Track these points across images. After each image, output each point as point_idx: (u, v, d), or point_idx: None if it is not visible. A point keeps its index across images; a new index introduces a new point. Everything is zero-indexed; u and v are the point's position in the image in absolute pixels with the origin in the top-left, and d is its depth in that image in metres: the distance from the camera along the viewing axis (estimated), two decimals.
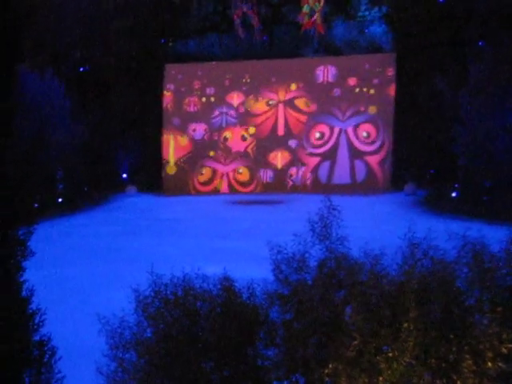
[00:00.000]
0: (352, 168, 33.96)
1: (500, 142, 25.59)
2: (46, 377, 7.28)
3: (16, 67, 6.39)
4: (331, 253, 7.79)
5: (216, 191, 35.66)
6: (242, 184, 35.77)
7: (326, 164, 34.45)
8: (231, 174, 35.92)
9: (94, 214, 29.21)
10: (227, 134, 36.03)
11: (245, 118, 35.78)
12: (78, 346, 11.13)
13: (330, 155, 34.33)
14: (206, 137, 36.32)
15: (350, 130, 34.10)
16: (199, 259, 11.83)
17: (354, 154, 34.00)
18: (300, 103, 34.98)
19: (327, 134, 34.44)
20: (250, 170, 35.65)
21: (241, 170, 35.75)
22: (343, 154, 34.18)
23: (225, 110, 35.98)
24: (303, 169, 34.58)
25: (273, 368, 7.32)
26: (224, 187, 35.87)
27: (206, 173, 36.27)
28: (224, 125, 36.09)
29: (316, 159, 34.68)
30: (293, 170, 34.90)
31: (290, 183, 34.97)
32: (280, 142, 35.21)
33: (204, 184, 36.21)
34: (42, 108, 28.79)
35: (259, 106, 35.54)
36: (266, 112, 35.46)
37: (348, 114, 34.16)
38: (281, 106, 35.18)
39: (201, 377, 7.09)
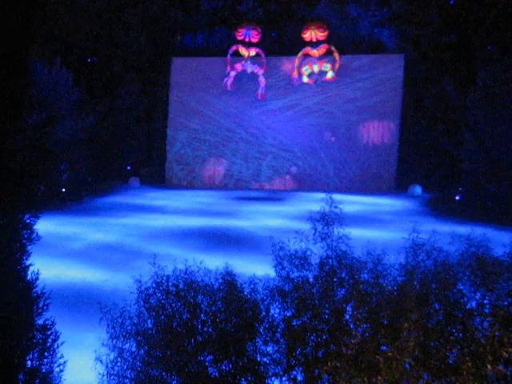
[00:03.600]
0: (358, 166, 33.94)
1: (506, 147, 25.52)
2: (49, 361, 7.29)
3: (29, 47, 6.38)
4: (333, 251, 7.79)
5: (221, 186, 35.60)
6: (246, 181, 35.75)
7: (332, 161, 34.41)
8: (237, 169, 35.91)
9: (95, 203, 29.24)
10: (234, 127, 35.99)
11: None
12: None
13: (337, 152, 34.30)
14: (211, 131, 36.27)
15: (354, 129, 34.05)
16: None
17: (359, 152, 33.95)
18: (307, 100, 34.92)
19: (332, 131, 34.41)
20: (258, 166, 35.58)
21: (249, 165, 35.71)
22: (350, 151, 34.10)
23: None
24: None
25: (272, 364, 7.33)
26: (229, 182, 35.83)
27: (210, 167, 36.25)
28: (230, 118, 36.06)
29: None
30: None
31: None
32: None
33: (207, 179, 36.20)
34: (50, 97, 28.81)
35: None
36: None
37: (352, 113, 34.07)
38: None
39: (199, 370, 7.10)
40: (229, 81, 35.15)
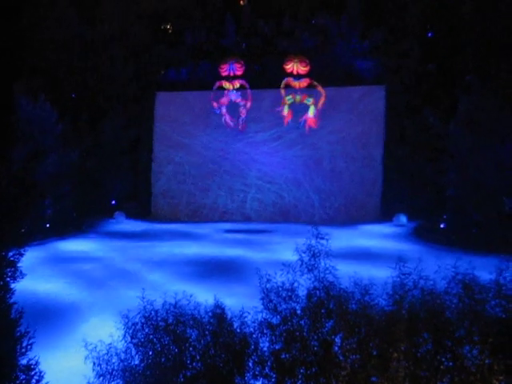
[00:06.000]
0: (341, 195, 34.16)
1: (488, 174, 25.79)
2: None
3: (14, 84, 6.40)
4: (320, 282, 7.79)
5: (207, 219, 35.44)
6: (231, 213, 35.68)
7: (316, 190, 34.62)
8: (222, 203, 35.87)
9: (80, 239, 28.91)
10: (219, 160, 36.09)
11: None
12: None
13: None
14: (196, 164, 36.30)
15: (338, 159, 34.30)
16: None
17: (344, 182, 34.17)
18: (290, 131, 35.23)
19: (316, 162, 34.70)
20: (243, 198, 35.60)
21: (239, 198, 35.71)
22: (335, 181, 34.34)
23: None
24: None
25: None
26: (214, 215, 35.72)
27: (195, 200, 36.18)
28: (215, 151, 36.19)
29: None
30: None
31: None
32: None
33: (193, 212, 36.07)
34: (34, 133, 28.74)
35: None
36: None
37: (336, 144, 34.38)
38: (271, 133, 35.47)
39: None
40: (227, 118, 35.40)
